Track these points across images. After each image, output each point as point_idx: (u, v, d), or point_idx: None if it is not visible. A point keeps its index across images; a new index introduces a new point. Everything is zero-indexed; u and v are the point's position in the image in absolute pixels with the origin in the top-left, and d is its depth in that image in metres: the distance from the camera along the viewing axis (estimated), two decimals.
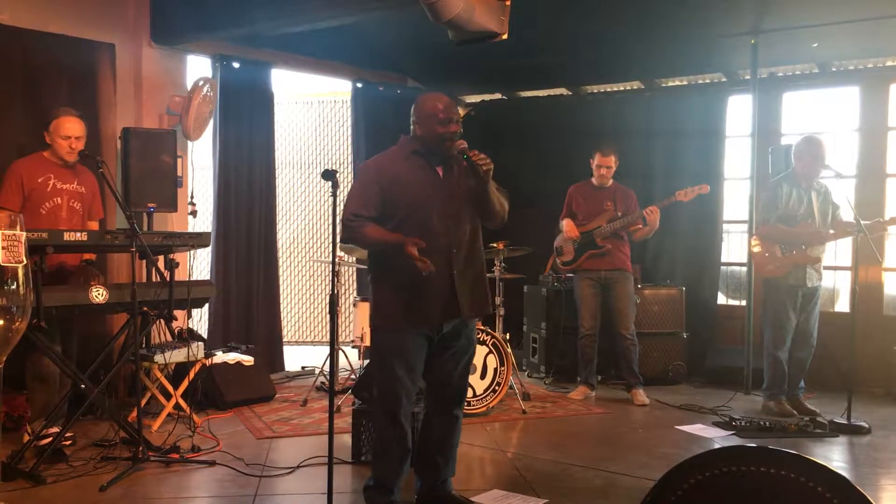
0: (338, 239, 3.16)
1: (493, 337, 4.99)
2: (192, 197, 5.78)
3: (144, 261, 3.99)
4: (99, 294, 3.77)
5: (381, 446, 3.16)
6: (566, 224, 5.62)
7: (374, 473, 3.19)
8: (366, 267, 6.23)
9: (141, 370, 4.44)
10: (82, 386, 3.87)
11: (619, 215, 5.47)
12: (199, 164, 6.29)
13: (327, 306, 2.99)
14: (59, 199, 4.19)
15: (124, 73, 5.46)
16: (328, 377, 5.13)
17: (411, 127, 3.18)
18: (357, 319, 5.68)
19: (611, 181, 5.62)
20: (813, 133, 5.35)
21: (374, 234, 3.02)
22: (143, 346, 4.59)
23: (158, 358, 4.61)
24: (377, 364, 3.18)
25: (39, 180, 4.13)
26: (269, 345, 6.29)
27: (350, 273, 7.27)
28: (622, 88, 7.28)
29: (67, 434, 3.99)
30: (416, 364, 3.11)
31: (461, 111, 3.24)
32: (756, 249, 5.11)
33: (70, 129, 4.15)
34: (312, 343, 7.87)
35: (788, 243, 4.98)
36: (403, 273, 2.98)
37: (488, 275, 5.41)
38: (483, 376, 4.95)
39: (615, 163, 5.55)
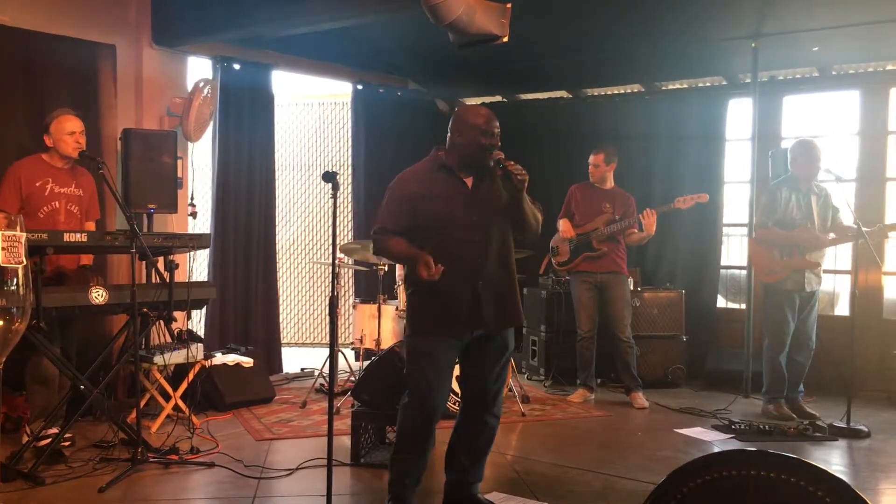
0: (338, 241, 3.18)
1: None
2: (192, 198, 5.78)
3: (144, 262, 3.99)
4: (99, 295, 3.77)
5: (400, 441, 3.22)
6: (563, 224, 5.62)
7: (391, 467, 3.24)
8: (366, 269, 6.26)
9: (140, 371, 4.44)
10: (81, 387, 3.86)
11: (617, 218, 5.46)
12: (200, 166, 6.29)
13: (327, 308, 3.00)
14: (56, 203, 4.19)
15: (125, 74, 5.46)
16: (327, 379, 5.13)
17: (448, 137, 3.21)
18: (356, 321, 5.68)
19: (611, 183, 5.61)
20: (807, 136, 5.36)
21: (396, 248, 3.15)
22: (143, 347, 4.59)
23: (158, 359, 4.60)
24: (410, 365, 3.23)
25: (38, 184, 4.12)
26: (268, 346, 6.28)
27: (349, 275, 7.27)
28: (622, 91, 7.27)
29: (66, 435, 3.99)
30: (447, 368, 3.17)
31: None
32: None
33: (73, 126, 4.17)
34: (311, 345, 7.86)
35: (786, 247, 4.99)
36: (430, 284, 3.07)
37: None
38: None
39: (604, 161, 5.53)
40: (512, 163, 3.04)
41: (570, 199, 5.69)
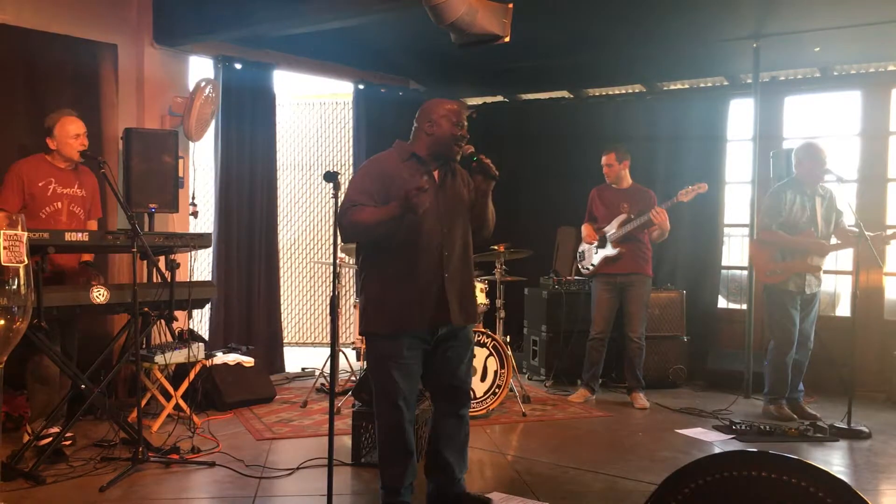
0: (339, 240, 3.17)
1: (493, 339, 4.99)
2: (193, 198, 5.78)
3: (145, 261, 3.99)
4: (100, 294, 3.77)
5: (383, 450, 3.18)
6: (584, 229, 5.61)
7: (381, 477, 3.20)
8: None
9: (141, 371, 4.44)
10: (82, 386, 3.87)
11: (632, 218, 5.42)
12: (201, 165, 6.29)
13: (328, 308, 2.99)
14: (59, 203, 4.18)
15: (126, 73, 5.47)
16: (328, 379, 5.13)
17: (415, 128, 3.20)
18: (357, 321, 5.68)
19: (629, 181, 5.57)
20: (813, 138, 5.35)
21: (369, 214, 2.99)
22: (144, 346, 4.59)
23: (159, 359, 4.61)
24: (374, 370, 3.17)
25: (40, 184, 4.12)
26: (269, 346, 6.29)
27: (350, 274, 7.27)
28: (624, 91, 7.28)
29: (67, 434, 3.99)
30: (413, 367, 3.12)
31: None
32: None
33: (77, 128, 4.17)
34: (312, 344, 7.87)
35: (789, 251, 4.98)
36: (393, 277, 3.05)
37: (489, 277, 5.50)
38: (483, 379, 4.95)
39: (616, 160, 5.50)
40: (484, 155, 3.07)
41: (591, 204, 5.67)
